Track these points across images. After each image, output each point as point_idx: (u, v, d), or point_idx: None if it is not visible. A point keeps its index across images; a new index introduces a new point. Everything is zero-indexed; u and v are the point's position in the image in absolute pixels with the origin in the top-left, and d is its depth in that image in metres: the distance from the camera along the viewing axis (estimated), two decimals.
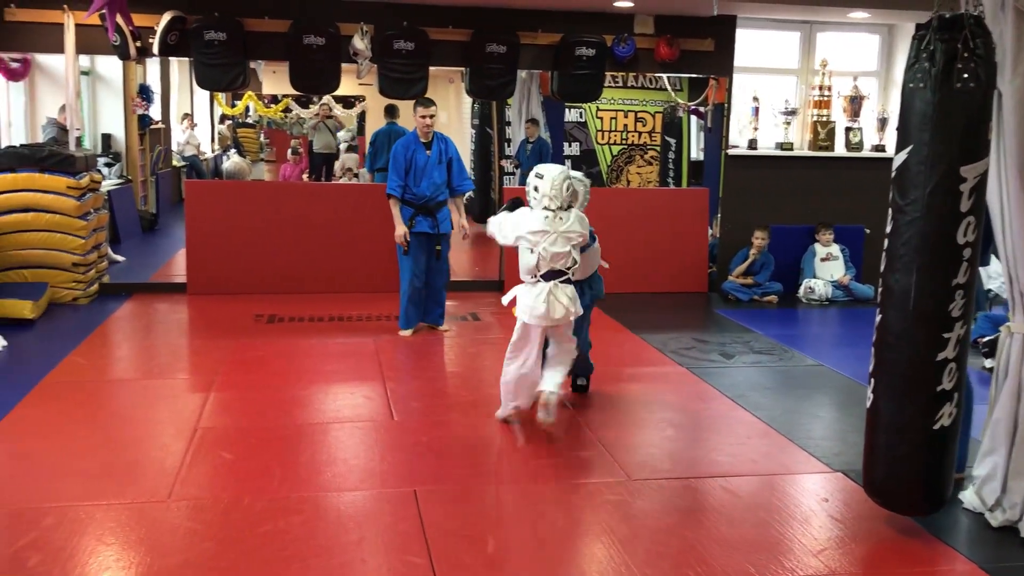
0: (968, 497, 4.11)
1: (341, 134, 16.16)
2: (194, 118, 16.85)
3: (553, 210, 4.66)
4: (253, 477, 4.27)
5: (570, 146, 13.29)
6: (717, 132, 10.67)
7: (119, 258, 9.70)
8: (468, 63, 8.44)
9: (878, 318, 3.75)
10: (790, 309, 8.59)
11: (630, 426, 5.31)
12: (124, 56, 7.86)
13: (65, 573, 3.35)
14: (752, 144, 9.24)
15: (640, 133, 13.48)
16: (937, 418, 3.63)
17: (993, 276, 7.14)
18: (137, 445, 4.72)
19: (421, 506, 3.98)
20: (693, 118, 12.89)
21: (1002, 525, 3.91)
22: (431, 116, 6.77)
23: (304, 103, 20.98)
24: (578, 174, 5.06)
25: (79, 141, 8.68)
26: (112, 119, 11.91)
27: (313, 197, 8.86)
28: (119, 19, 7.14)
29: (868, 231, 9.18)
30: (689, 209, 9.21)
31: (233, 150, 18.21)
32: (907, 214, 3.58)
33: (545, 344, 4.97)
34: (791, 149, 9.30)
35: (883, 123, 9.42)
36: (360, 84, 16.94)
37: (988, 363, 6.23)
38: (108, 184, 10.22)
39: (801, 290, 8.89)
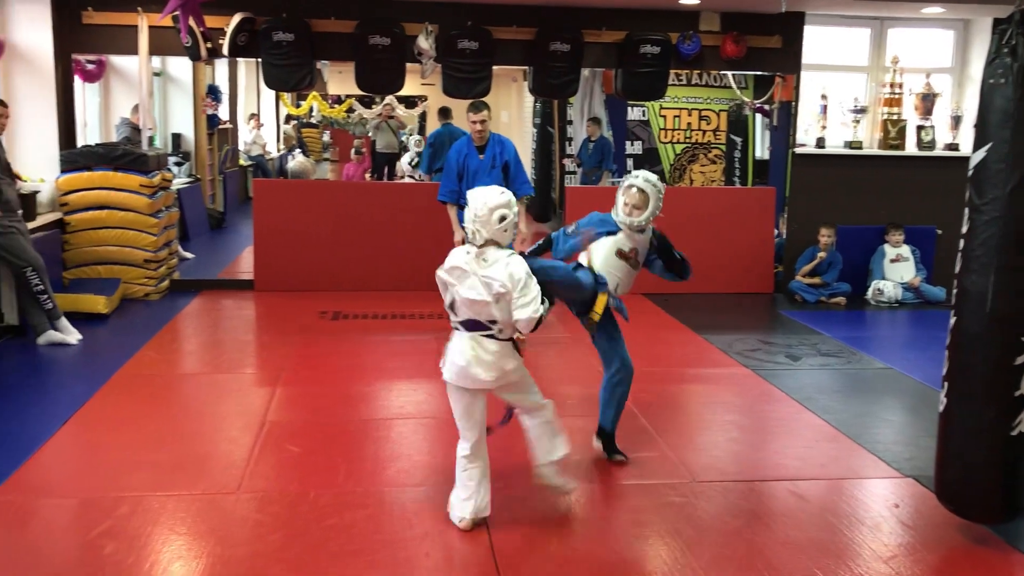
0: None
1: (415, 137, 16.26)
2: (260, 118, 17.16)
3: (478, 246, 3.63)
4: (319, 471, 4.33)
5: (632, 145, 13.20)
6: (783, 130, 10.50)
7: (188, 255, 9.92)
8: (532, 62, 8.45)
9: (952, 321, 3.65)
10: (858, 311, 8.41)
11: (694, 428, 5.26)
12: (195, 57, 8.03)
13: (139, 561, 3.43)
14: (820, 143, 9.08)
15: (704, 131, 13.33)
16: (1015, 424, 3.52)
17: None
18: (206, 438, 4.82)
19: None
20: (759, 116, 12.71)
21: None
22: (482, 121, 6.64)
23: (367, 103, 21.21)
24: (652, 176, 4.50)
25: (151, 140, 8.90)
26: (182, 119, 12.19)
27: (376, 196, 8.96)
28: (191, 21, 7.29)
29: (940, 232, 8.95)
30: (755, 208, 9.08)
31: (298, 150, 18.48)
32: (985, 213, 3.48)
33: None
34: (860, 148, 9.11)
35: (957, 121, 9.18)
36: (423, 84, 17.09)
37: None
38: (178, 183, 10.45)
39: (869, 292, 8.70)
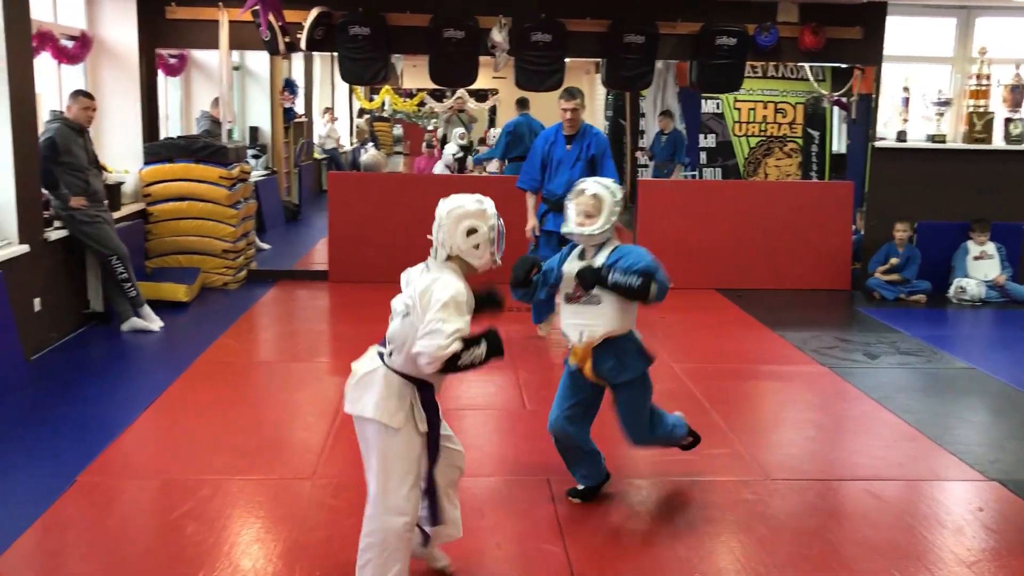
0: None
1: (457, 130, 16.30)
2: (335, 112, 17.42)
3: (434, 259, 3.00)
4: None
5: (705, 138, 13.04)
6: (862, 124, 10.26)
7: (265, 246, 10.12)
8: (605, 54, 8.40)
9: None
10: (939, 309, 8.17)
11: (768, 425, 5.18)
12: (273, 51, 8.18)
13: (219, 543, 3.52)
14: (901, 136, 8.83)
15: (779, 124, 13.08)
16: None
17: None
18: (283, 424, 4.92)
19: (555, 495, 3.99)
20: (836, 109, 12.43)
21: None
22: (573, 109, 6.20)
23: (438, 97, 21.37)
24: (608, 181, 3.79)
25: (230, 133, 9.10)
26: (259, 113, 12.43)
27: (447, 189, 8.98)
28: (271, 15, 7.43)
29: None
30: (832, 203, 8.89)
31: (371, 143, 18.71)
32: None
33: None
34: (943, 142, 8.83)
35: None
36: (494, 77, 17.14)
37: None
38: (255, 175, 10.66)
39: (952, 290, 8.45)
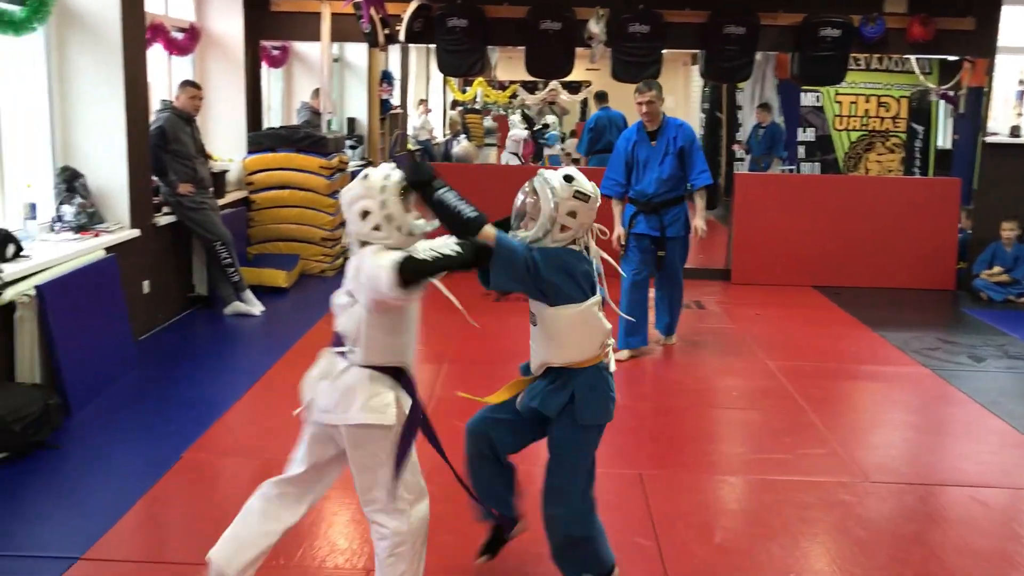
0: None
1: (550, 118, 16.24)
2: (428, 104, 17.61)
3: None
4: None
5: (804, 132, 12.74)
6: (970, 118, 9.88)
7: None
8: (704, 45, 8.29)
9: None
10: None
11: (867, 426, 5.04)
12: (373, 43, 8.33)
13: (316, 522, 3.62)
14: (1015, 131, 8.46)
15: (882, 119, 12.69)
16: None
17: None
18: None
19: (647, 490, 3.97)
20: (941, 103, 11.99)
21: None
22: (648, 102, 5.73)
23: (531, 89, 21.38)
24: (554, 175, 2.86)
25: (329, 124, 9.29)
26: (357, 104, 12.65)
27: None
28: (372, 8, 7.56)
29: None
30: (937, 201, 8.57)
31: (463, 135, 18.88)
32: None
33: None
34: None
35: None
36: (587, 69, 17.06)
37: None
38: (351, 165, 10.87)
39: None
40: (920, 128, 12.33)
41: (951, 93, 11.11)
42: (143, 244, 6.12)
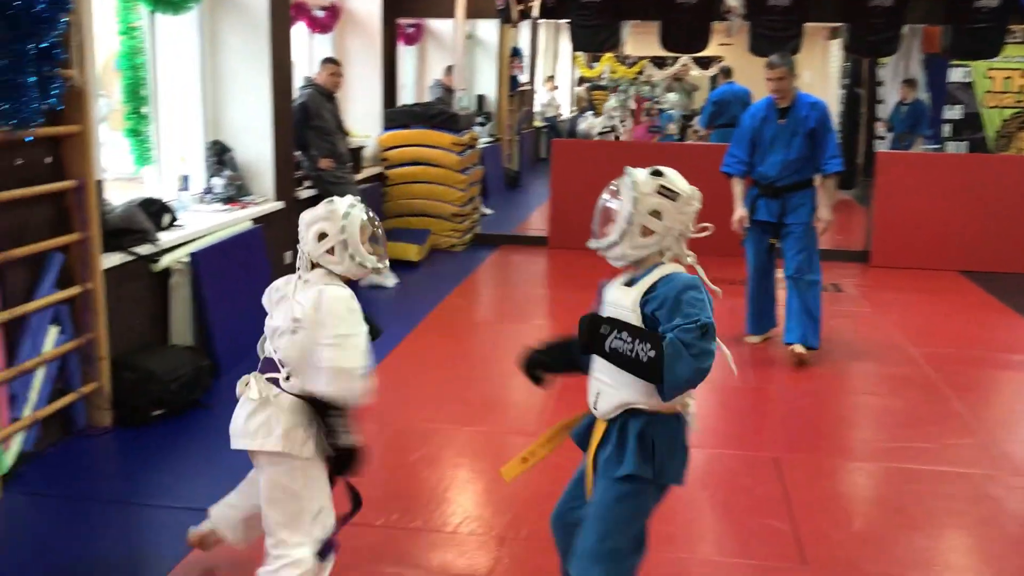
0: None
1: (671, 97, 15.93)
2: (555, 81, 17.58)
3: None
4: None
5: (951, 109, 12.10)
6: None
7: (488, 211, 10.42)
8: (848, 18, 7.96)
9: None
10: None
11: (1018, 417, 4.80)
12: (507, 20, 8.36)
13: (451, 487, 3.70)
14: None
15: None
16: None
17: None
18: (506, 381, 5.07)
19: (783, 474, 3.89)
20: None
21: None
22: (779, 78, 5.28)
23: (660, 64, 21.06)
24: (642, 174, 2.40)
25: (460, 101, 9.40)
26: (486, 81, 12.77)
27: (662, 156, 8.87)
28: None
29: None
30: None
31: (589, 112, 18.78)
32: None
33: None
34: None
35: None
36: (720, 44, 16.65)
37: None
38: (480, 142, 10.98)
39: None
40: None
41: None
42: (286, 216, 6.35)
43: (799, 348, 5.36)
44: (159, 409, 4.29)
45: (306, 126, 6.63)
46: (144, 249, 4.56)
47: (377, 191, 8.14)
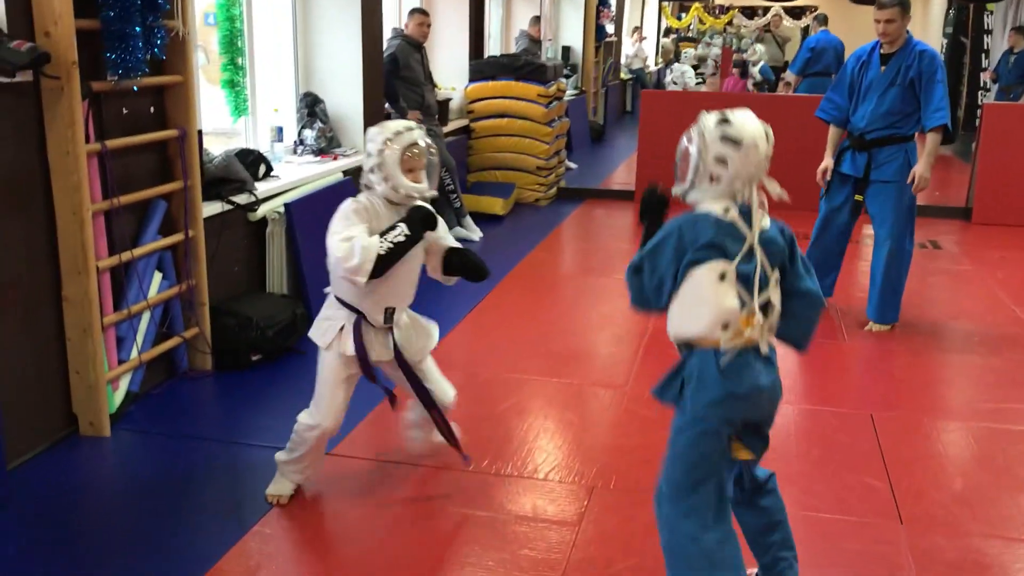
0: None
1: (758, 48, 15.36)
2: (643, 32, 17.25)
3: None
4: None
5: None
6: None
7: (572, 165, 10.34)
8: None
9: None
10: None
11: None
12: None
13: (539, 436, 3.73)
14: None
15: None
16: None
17: None
18: (594, 335, 5.07)
19: (879, 431, 3.81)
20: None
21: None
22: (887, 20, 4.84)
23: (749, 15, 20.48)
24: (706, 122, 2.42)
25: (546, 52, 9.30)
26: (572, 32, 12.60)
27: (757, 109, 8.66)
28: None
29: None
30: None
31: (676, 64, 18.42)
32: None
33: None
34: None
35: None
36: None
37: None
38: (566, 95, 10.87)
39: None
40: None
41: None
42: None
43: (875, 327, 5.13)
44: (257, 354, 4.41)
45: (395, 77, 6.65)
46: (242, 199, 4.66)
47: (462, 144, 8.15)
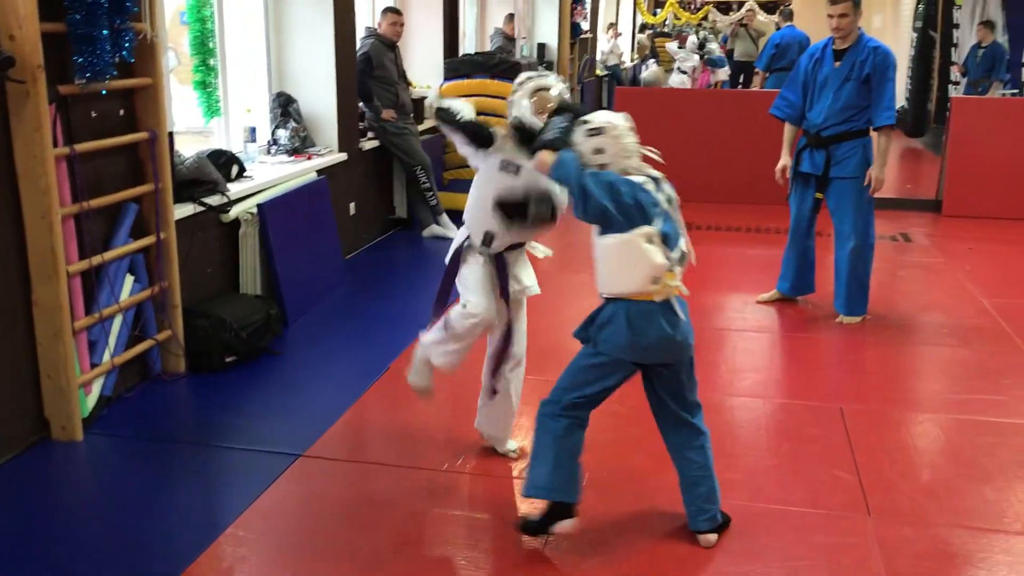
0: None
1: (712, 45, 15.38)
2: (618, 28, 17.30)
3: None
4: None
5: None
6: None
7: None
8: None
9: None
10: None
11: None
12: None
13: (522, 434, 3.76)
14: None
15: None
16: None
17: None
18: (565, 330, 5.07)
19: (848, 424, 3.86)
20: None
21: None
22: (840, 15, 4.86)
23: (724, 10, 20.58)
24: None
25: (521, 50, 9.31)
26: (547, 29, 12.62)
27: (724, 104, 8.73)
28: None
29: None
30: None
31: (652, 60, 18.47)
32: None
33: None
34: None
35: None
36: None
37: None
38: None
39: None
40: None
41: None
42: (349, 168, 6.42)
43: (844, 319, 5.17)
44: (231, 356, 4.41)
45: (369, 76, 6.65)
46: (214, 200, 4.66)
47: (438, 142, 8.14)
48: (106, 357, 3.87)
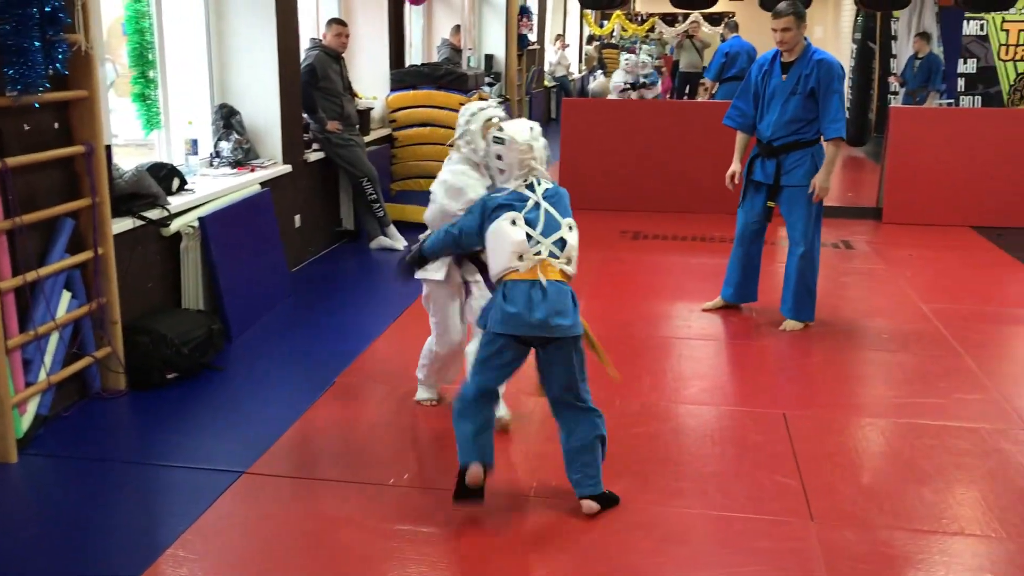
0: None
1: (645, 58, 15.56)
2: (565, 39, 17.41)
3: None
4: (626, 382, 4.36)
5: (965, 63, 11.96)
6: None
7: None
8: None
9: None
10: None
11: None
12: None
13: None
14: None
15: None
16: None
17: None
18: None
19: (791, 430, 3.91)
20: None
21: None
22: (783, 29, 4.95)
23: (670, 22, 20.80)
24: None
25: (468, 61, 9.32)
26: (494, 40, 12.65)
27: (674, 115, 8.83)
28: None
29: None
30: None
31: (599, 71, 18.61)
32: None
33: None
34: None
35: None
36: (731, 0, 16.48)
37: None
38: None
39: None
40: None
41: None
42: (295, 179, 6.36)
43: (791, 324, 5.24)
44: (172, 372, 4.33)
45: (313, 88, 6.60)
46: (154, 214, 4.58)
47: (385, 153, 8.12)
48: (42, 375, 3.77)
